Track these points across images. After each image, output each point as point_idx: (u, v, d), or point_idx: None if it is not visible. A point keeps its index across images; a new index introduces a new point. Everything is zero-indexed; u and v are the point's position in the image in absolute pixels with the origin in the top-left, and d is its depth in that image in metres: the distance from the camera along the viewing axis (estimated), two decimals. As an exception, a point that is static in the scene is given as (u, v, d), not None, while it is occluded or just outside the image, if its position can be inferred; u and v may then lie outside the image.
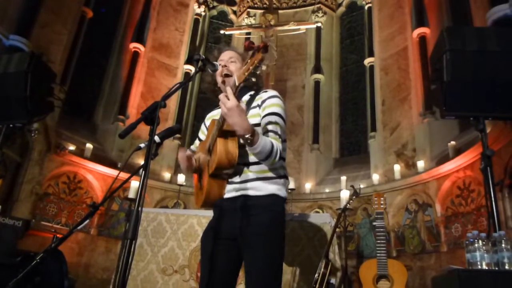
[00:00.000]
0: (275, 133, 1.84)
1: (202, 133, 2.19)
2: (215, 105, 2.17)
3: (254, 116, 1.91)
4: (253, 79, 2.01)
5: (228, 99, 1.64)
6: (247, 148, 1.76)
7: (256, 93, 2.01)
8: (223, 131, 1.71)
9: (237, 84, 1.63)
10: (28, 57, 3.22)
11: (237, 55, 2.09)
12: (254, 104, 1.95)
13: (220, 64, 2.02)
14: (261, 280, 1.77)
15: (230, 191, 1.89)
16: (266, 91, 1.99)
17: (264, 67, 10.42)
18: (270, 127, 1.85)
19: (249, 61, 1.59)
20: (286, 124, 1.93)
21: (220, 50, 2.13)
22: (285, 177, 1.95)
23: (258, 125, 1.89)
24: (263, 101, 1.93)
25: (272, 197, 1.86)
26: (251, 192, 1.85)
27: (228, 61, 2.04)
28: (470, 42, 2.62)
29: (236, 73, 1.98)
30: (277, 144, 1.80)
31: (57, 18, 8.43)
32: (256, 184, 1.85)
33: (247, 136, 1.65)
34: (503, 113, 2.76)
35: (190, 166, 2.06)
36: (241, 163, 1.84)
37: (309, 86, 10.88)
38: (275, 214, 1.85)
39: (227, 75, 1.99)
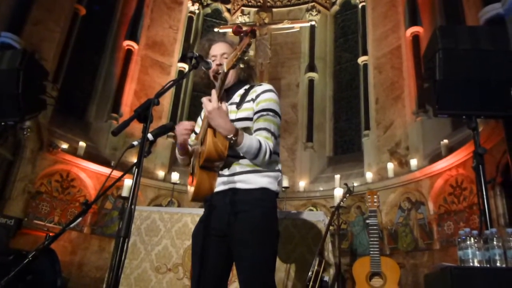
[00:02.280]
0: (268, 130, 1.82)
1: (198, 126, 2.16)
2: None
3: (247, 110, 1.89)
4: (245, 74, 2.00)
5: (211, 102, 1.67)
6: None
7: (251, 87, 1.98)
8: None
9: (225, 70, 1.66)
10: (20, 54, 3.20)
11: (230, 49, 1.99)
12: (248, 98, 1.92)
13: (213, 61, 1.97)
14: (254, 279, 1.74)
15: (220, 184, 1.85)
16: (261, 85, 1.97)
17: (259, 60, 10.43)
18: (263, 124, 1.83)
19: (237, 47, 1.60)
20: (281, 119, 1.92)
21: (211, 42, 2.06)
22: (278, 170, 1.92)
23: (251, 119, 1.87)
24: (257, 96, 1.90)
25: (263, 191, 1.82)
26: (240, 185, 1.81)
27: (222, 58, 1.99)
28: (463, 41, 2.64)
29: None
30: (267, 143, 1.78)
31: (49, 15, 8.36)
32: (246, 177, 1.82)
33: (229, 136, 1.67)
34: (495, 111, 2.78)
35: (185, 150, 2.03)
36: (232, 155, 1.80)
37: (303, 85, 10.89)
38: (266, 210, 1.81)
39: (215, 76, 1.95)
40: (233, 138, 1.67)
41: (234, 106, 1.93)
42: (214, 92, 1.68)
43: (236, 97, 1.97)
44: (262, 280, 1.75)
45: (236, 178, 1.82)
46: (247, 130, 1.84)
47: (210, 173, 1.82)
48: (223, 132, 1.67)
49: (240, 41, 1.62)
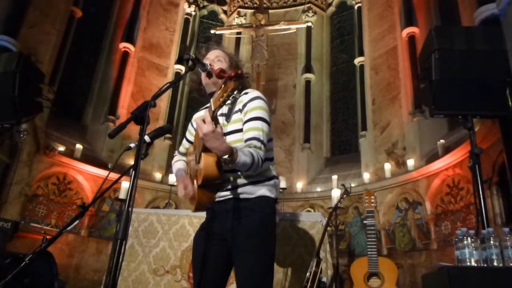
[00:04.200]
0: (257, 139, 1.82)
1: (190, 134, 2.17)
2: (204, 104, 2.16)
3: (237, 122, 1.91)
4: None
5: (205, 123, 1.62)
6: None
7: (239, 95, 1.97)
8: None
9: (213, 109, 1.62)
10: (16, 57, 3.20)
11: (224, 55, 2.08)
12: (236, 108, 1.93)
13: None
14: (252, 281, 1.78)
15: (221, 196, 1.90)
16: (247, 93, 1.96)
17: (256, 62, 10.44)
18: (252, 133, 1.83)
19: (223, 86, 1.59)
20: (270, 125, 1.91)
21: (208, 49, 2.12)
22: (275, 177, 1.96)
23: (241, 130, 1.89)
24: (244, 105, 1.91)
25: (263, 198, 1.88)
26: (242, 196, 1.87)
27: (214, 60, 2.03)
28: (458, 41, 2.65)
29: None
30: (258, 154, 1.77)
31: (45, 18, 8.34)
32: (246, 189, 1.87)
33: (225, 157, 1.65)
34: (491, 111, 2.80)
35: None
36: (229, 170, 1.83)
37: (300, 86, 10.90)
38: (265, 215, 1.86)
39: (209, 74, 1.97)
40: (228, 159, 1.65)
41: (223, 119, 1.94)
42: (207, 114, 1.63)
43: (224, 108, 1.97)
44: (260, 283, 1.79)
45: (237, 190, 1.87)
46: (238, 142, 1.86)
47: (209, 190, 1.86)
48: (219, 154, 1.65)
49: (225, 83, 1.60)
